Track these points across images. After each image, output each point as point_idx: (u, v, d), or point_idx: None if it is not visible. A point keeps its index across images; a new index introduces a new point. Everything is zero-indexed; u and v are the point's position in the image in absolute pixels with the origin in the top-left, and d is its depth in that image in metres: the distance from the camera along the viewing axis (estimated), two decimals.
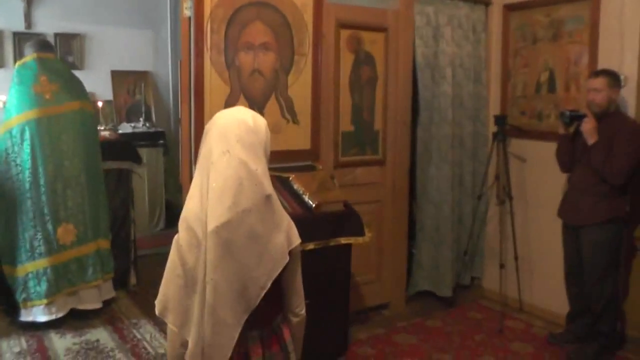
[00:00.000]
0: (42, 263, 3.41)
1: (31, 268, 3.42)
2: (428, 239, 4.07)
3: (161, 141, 5.60)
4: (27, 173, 3.39)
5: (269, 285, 1.53)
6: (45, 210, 3.41)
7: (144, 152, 4.54)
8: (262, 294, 1.53)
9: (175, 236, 1.58)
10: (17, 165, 3.41)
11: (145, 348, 3.24)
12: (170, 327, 1.64)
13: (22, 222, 3.41)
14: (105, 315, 3.67)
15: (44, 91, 3.45)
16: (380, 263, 3.84)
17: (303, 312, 1.72)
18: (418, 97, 3.96)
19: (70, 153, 3.49)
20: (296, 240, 1.61)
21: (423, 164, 4.06)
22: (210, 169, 1.50)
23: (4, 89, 4.42)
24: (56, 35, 5.30)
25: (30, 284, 3.41)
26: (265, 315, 1.63)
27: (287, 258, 1.57)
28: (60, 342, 3.32)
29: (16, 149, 3.41)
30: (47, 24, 5.36)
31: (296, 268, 1.67)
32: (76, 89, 3.63)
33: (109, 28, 5.65)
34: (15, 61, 5.04)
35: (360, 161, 3.69)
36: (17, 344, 3.30)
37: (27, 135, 3.39)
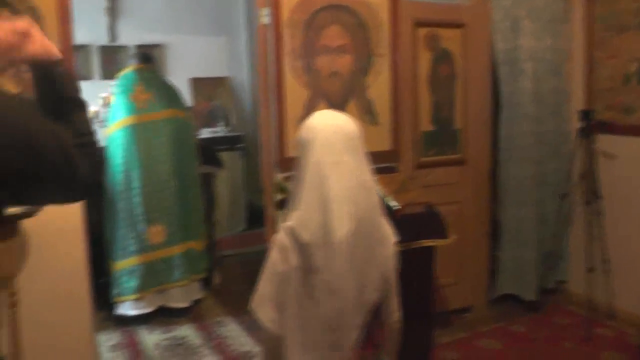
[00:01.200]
0: (133, 261, 3.63)
1: (123, 265, 3.65)
2: (510, 240, 3.94)
3: (241, 144, 5.77)
4: (121, 176, 3.61)
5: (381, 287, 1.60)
6: (137, 212, 3.62)
7: (224, 156, 4.68)
8: (376, 296, 1.59)
9: (276, 237, 1.63)
10: (116, 166, 3.64)
11: (230, 345, 3.34)
12: (264, 322, 1.69)
13: (116, 222, 3.64)
14: (191, 313, 3.82)
15: (139, 100, 3.68)
16: (462, 265, 3.75)
17: (400, 314, 1.75)
18: (498, 93, 3.84)
19: (162, 158, 3.68)
20: (394, 238, 1.68)
21: (504, 163, 3.93)
22: (324, 181, 1.53)
23: (93, 99, 4.71)
24: (138, 46, 5.57)
25: (123, 279, 3.64)
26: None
27: (394, 259, 1.64)
28: (150, 338, 3.48)
29: (116, 153, 3.64)
30: (130, 37, 5.62)
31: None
32: (170, 98, 3.85)
33: (186, 37, 5.86)
34: (101, 73, 5.35)
35: (440, 161, 3.62)
36: (111, 338, 3.50)
37: (123, 140, 3.62)
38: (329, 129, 1.61)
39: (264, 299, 1.63)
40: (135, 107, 3.67)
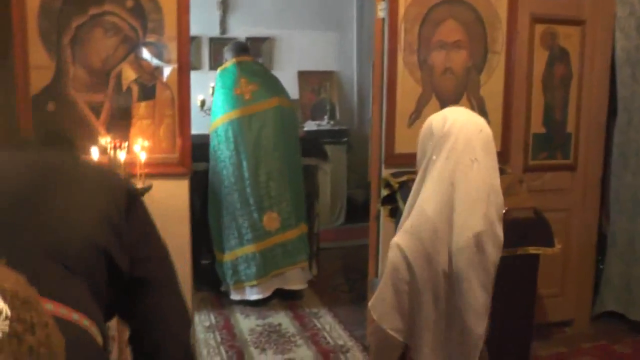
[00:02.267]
0: (250, 248, 3.73)
1: (240, 253, 3.75)
2: (619, 254, 3.69)
3: (345, 139, 5.79)
4: (231, 168, 3.71)
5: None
6: (251, 201, 3.70)
7: (328, 149, 4.71)
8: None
9: (396, 240, 1.59)
10: (221, 161, 3.75)
11: (324, 337, 3.36)
12: (389, 331, 1.65)
13: (230, 213, 3.74)
14: (287, 302, 3.87)
15: (244, 92, 3.74)
16: (565, 276, 3.57)
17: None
18: (615, 96, 3.60)
19: (271, 147, 3.74)
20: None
21: (618, 171, 3.68)
22: (457, 178, 1.48)
23: (201, 89, 4.88)
24: (248, 39, 5.70)
25: (241, 267, 3.74)
26: None
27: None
28: (245, 322, 3.57)
29: (221, 146, 3.74)
30: (240, 30, 5.78)
31: None
32: (273, 87, 3.88)
33: (296, 31, 5.92)
34: (210, 64, 5.54)
35: (550, 165, 3.45)
36: (207, 319, 3.61)
37: (230, 133, 3.70)
38: (470, 128, 1.55)
39: (387, 307, 1.60)
40: (241, 100, 3.74)
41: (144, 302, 1.00)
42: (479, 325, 1.52)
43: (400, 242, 1.56)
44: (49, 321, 0.52)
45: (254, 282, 3.72)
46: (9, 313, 0.48)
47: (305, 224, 3.96)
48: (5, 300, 0.48)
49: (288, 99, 4.00)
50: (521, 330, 3.00)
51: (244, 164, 3.69)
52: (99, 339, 0.87)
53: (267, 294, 3.79)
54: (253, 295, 3.76)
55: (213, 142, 3.79)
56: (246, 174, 3.69)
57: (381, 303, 1.65)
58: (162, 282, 1.04)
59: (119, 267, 0.94)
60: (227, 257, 3.78)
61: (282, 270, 3.80)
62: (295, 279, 3.87)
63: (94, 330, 0.85)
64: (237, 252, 3.75)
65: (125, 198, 0.98)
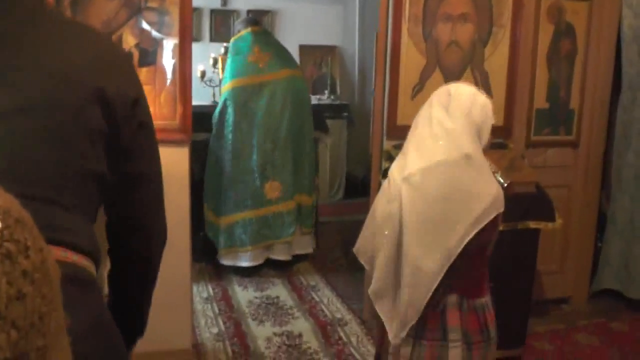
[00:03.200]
0: (249, 214, 3.75)
1: (238, 218, 3.76)
2: (619, 232, 3.68)
3: (345, 113, 5.74)
4: (238, 133, 3.70)
5: (471, 234, 1.53)
6: (255, 168, 3.72)
7: (328, 124, 4.70)
8: (463, 243, 1.53)
9: (382, 185, 1.79)
10: (228, 125, 3.73)
11: (322, 310, 3.37)
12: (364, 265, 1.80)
13: (231, 177, 3.74)
14: (286, 274, 3.88)
15: (258, 60, 3.75)
16: (565, 253, 3.57)
17: None
18: (620, 74, 3.56)
19: (280, 116, 3.75)
20: (501, 206, 1.61)
21: (620, 150, 3.66)
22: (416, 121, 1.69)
23: (202, 59, 4.82)
24: (249, 11, 5.62)
25: (237, 232, 3.75)
26: (468, 284, 1.63)
27: (495, 214, 1.58)
28: (243, 294, 3.57)
29: (229, 110, 3.72)
30: (241, 2, 5.69)
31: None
32: (286, 58, 3.92)
33: (298, 4, 5.82)
34: (211, 36, 5.51)
35: (552, 141, 3.43)
36: (204, 290, 3.62)
37: (240, 99, 3.70)
38: (441, 90, 1.71)
39: (362, 238, 1.87)
40: (255, 67, 3.76)
41: (132, 193, 1.04)
42: (425, 258, 1.55)
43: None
44: (43, 246, 0.47)
45: (248, 248, 3.75)
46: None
47: (309, 196, 3.96)
48: None
49: (299, 70, 4.04)
50: (519, 305, 3.01)
51: (253, 130, 3.71)
52: (94, 271, 0.88)
53: (260, 261, 3.81)
54: (245, 262, 3.78)
55: (220, 106, 3.79)
56: (253, 141, 3.71)
57: (360, 240, 1.81)
58: (152, 178, 1.08)
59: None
60: (224, 220, 3.78)
61: (272, 242, 3.82)
62: (285, 250, 3.88)
63: (90, 266, 0.86)
64: (236, 217, 3.76)
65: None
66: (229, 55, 3.94)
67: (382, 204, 1.69)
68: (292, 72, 3.85)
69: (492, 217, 1.57)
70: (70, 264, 0.81)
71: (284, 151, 3.78)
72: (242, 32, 3.88)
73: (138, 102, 0.99)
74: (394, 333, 1.62)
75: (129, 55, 2.54)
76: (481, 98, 1.68)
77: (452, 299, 1.62)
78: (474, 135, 1.63)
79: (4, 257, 0.42)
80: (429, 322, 1.61)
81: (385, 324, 1.66)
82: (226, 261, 3.82)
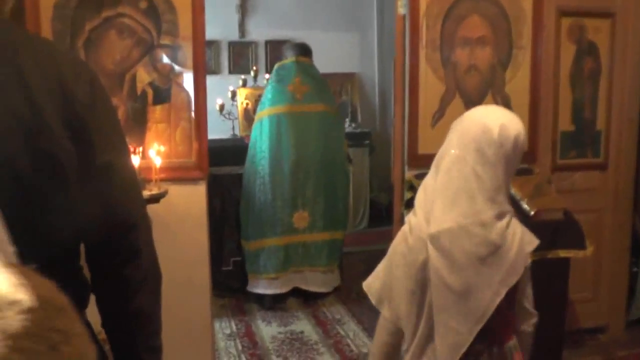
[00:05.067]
0: (277, 241, 3.76)
1: (265, 244, 3.77)
2: None
3: (367, 141, 5.72)
4: (271, 161, 3.74)
5: (503, 293, 1.44)
6: (286, 196, 3.76)
7: (350, 152, 4.66)
8: (496, 303, 1.43)
9: (403, 227, 1.58)
10: (262, 151, 3.77)
11: (348, 345, 3.27)
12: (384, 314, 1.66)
13: (262, 202, 3.76)
14: (310, 307, 3.81)
15: (296, 91, 3.82)
16: (598, 280, 3.42)
17: (535, 321, 1.61)
18: None
19: (312, 148, 3.79)
20: (534, 241, 1.52)
21: None
22: (440, 166, 1.48)
23: (220, 92, 4.85)
24: (267, 42, 5.65)
25: (261, 258, 3.76)
26: (497, 331, 1.53)
27: (528, 262, 1.49)
28: (267, 330, 3.50)
29: (264, 137, 3.77)
30: (259, 33, 5.76)
31: (529, 274, 1.55)
32: (324, 93, 3.97)
33: (316, 33, 5.79)
34: (229, 68, 5.57)
35: (579, 164, 3.32)
36: (227, 327, 3.55)
37: (275, 126, 3.75)
38: (472, 122, 1.48)
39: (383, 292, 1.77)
40: (293, 97, 3.80)
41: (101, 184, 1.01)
42: (455, 321, 1.44)
43: (406, 229, 1.56)
44: (81, 330, 0.50)
45: (272, 275, 3.74)
46: (30, 304, 0.46)
47: (341, 232, 3.98)
48: (41, 307, 0.47)
49: (334, 107, 4.07)
50: (552, 337, 2.88)
51: (285, 159, 3.74)
52: None
53: (284, 290, 3.79)
54: (269, 289, 3.77)
55: (255, 132, 3.83)
56: (285, 169, 3.74)
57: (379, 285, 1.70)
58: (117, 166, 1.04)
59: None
60: (252, 245, 3.80)
61: (302, 269, 3.82)
62: (316, 281, 3.86)
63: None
64: (263, 243, 3.77)
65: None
66: (270, 81, 3.99)
67: (402, 254, 1.55)
68: (325, 108, 3.89)
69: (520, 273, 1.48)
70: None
71: (315, 182, 3.81)
72: (286, 61, 3.95)
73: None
74: None
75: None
76: (512, 128, 1.46)
77: (478, 347, 1.54)
78: (509, 180, 1.51)
79: (49, 348, 0.46)
80: None
81: None
82: (251, 288, 3.82)
